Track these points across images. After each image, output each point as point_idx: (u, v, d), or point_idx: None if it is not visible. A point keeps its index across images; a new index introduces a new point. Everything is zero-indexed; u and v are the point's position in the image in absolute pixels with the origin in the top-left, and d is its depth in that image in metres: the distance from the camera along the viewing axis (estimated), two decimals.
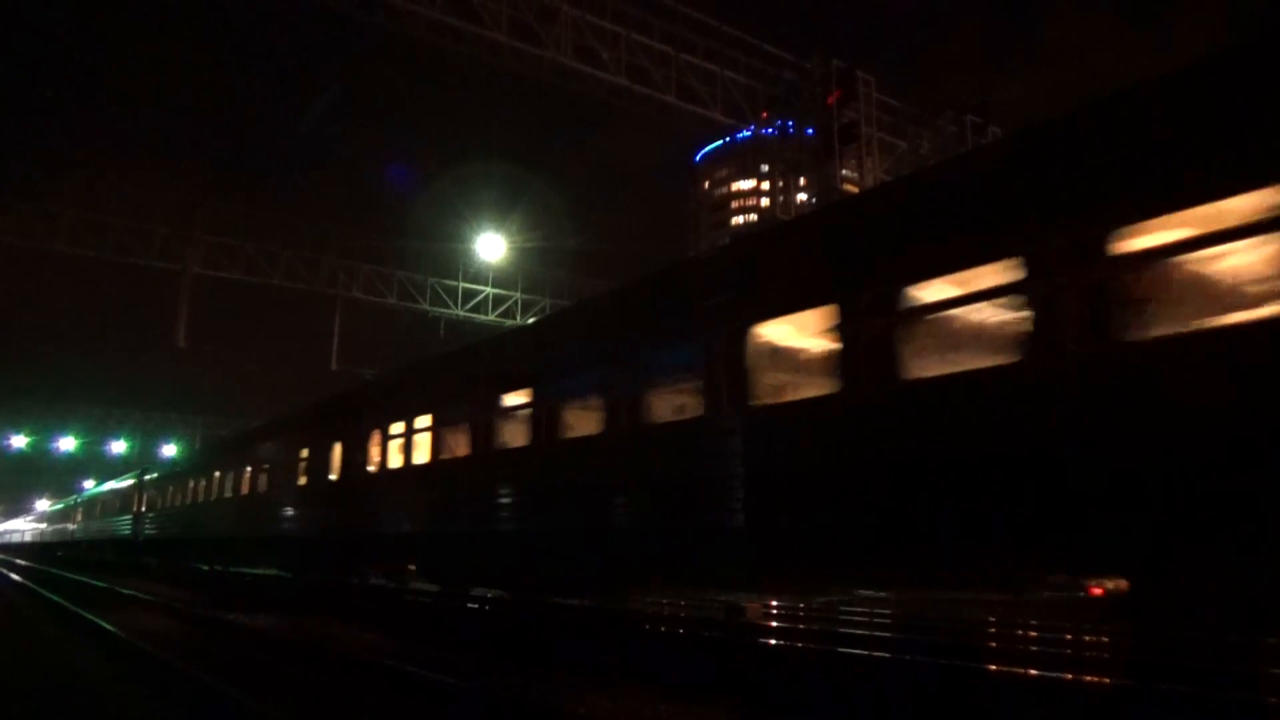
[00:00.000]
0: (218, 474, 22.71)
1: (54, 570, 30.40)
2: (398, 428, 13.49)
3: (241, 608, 14.88)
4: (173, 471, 29.23)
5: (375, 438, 14.24)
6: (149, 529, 30.32)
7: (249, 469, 20.44)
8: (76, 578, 23.95)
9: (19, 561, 45.18)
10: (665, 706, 6.48)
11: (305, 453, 17.09)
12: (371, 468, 14.35)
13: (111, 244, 26.44)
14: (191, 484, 25.27)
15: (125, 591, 18.54)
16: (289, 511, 17.78)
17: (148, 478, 31.82)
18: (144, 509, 31.04)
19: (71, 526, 49.58)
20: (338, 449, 15.62)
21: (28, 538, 77.63)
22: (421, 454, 12.85)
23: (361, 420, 14.82)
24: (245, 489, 20.48)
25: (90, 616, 11.84)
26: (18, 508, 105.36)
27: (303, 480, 17.14)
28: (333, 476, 15.70)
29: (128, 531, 33.01)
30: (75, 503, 51.05)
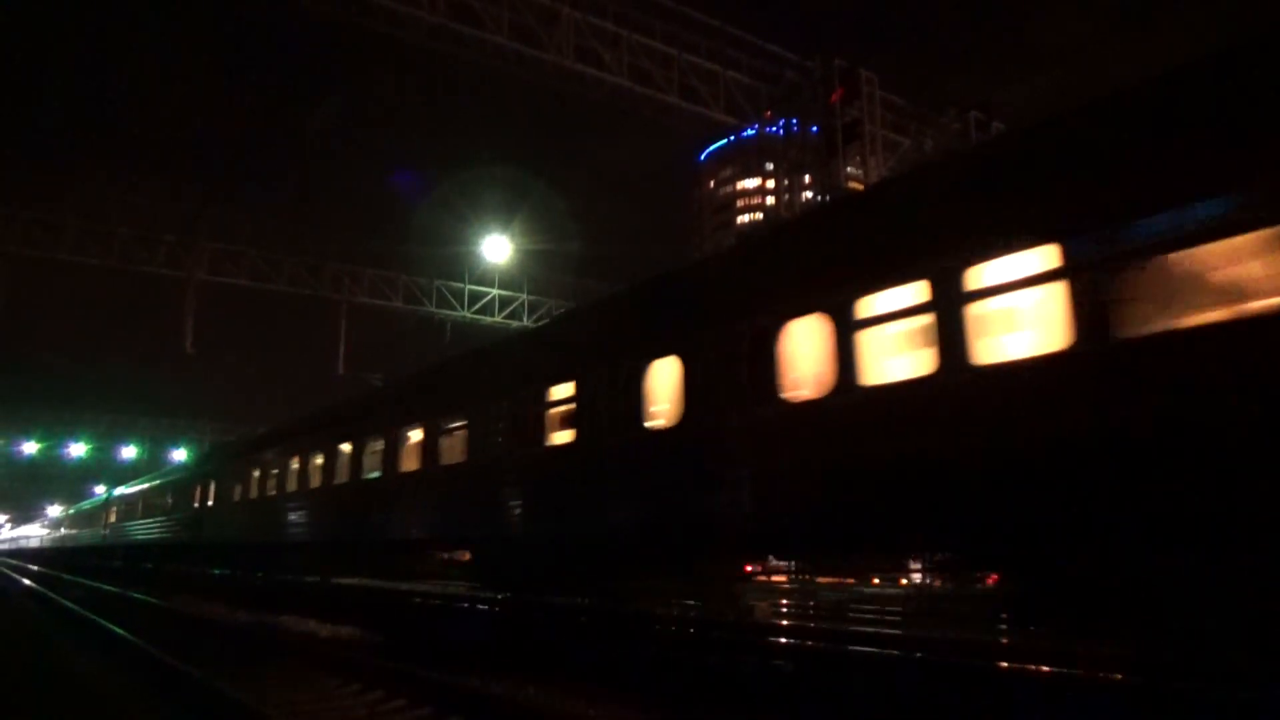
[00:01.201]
0: (346, 447, 15.78)
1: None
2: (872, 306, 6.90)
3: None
4: (260, 453, 21.07)
5: (780, 339, 7.58)
6: (219, 530, 23.01)
7: (417, 434, 13.61)
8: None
9: (36, 568, 44.38)
10: None
11: (566, 391, 10.31)
12: (799, 391, 7.44)
13: (117, 252, 26.57)
14: (294, 466, 18.12)
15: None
16: (528, 491, 10.92)
17: (216, 465, 24.63)
18: (211, 504, 23.89)
19: (103, 530, 41.94)
20: (671, 372, 8.73)
21: (47, 543, 71.97)
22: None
23: (740, 311, 8.10)
24: (410, 464, 13.67)
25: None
26: (29, 515, 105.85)
27: (561, 437, 10.42)
28: (656, 422, 8.91)
29: (185, 534, 25.97)
30: (107, 501, 42.74)
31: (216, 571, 25.30)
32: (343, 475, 15.79)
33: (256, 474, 20.50)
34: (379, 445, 14.63)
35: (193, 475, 26.34)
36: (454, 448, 12.57)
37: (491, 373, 12.62)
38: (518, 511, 11.11)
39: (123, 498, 38.66)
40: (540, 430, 10.69)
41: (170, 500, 28.57)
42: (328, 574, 19.88)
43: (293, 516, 18.16)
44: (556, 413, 10.60)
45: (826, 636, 10.02)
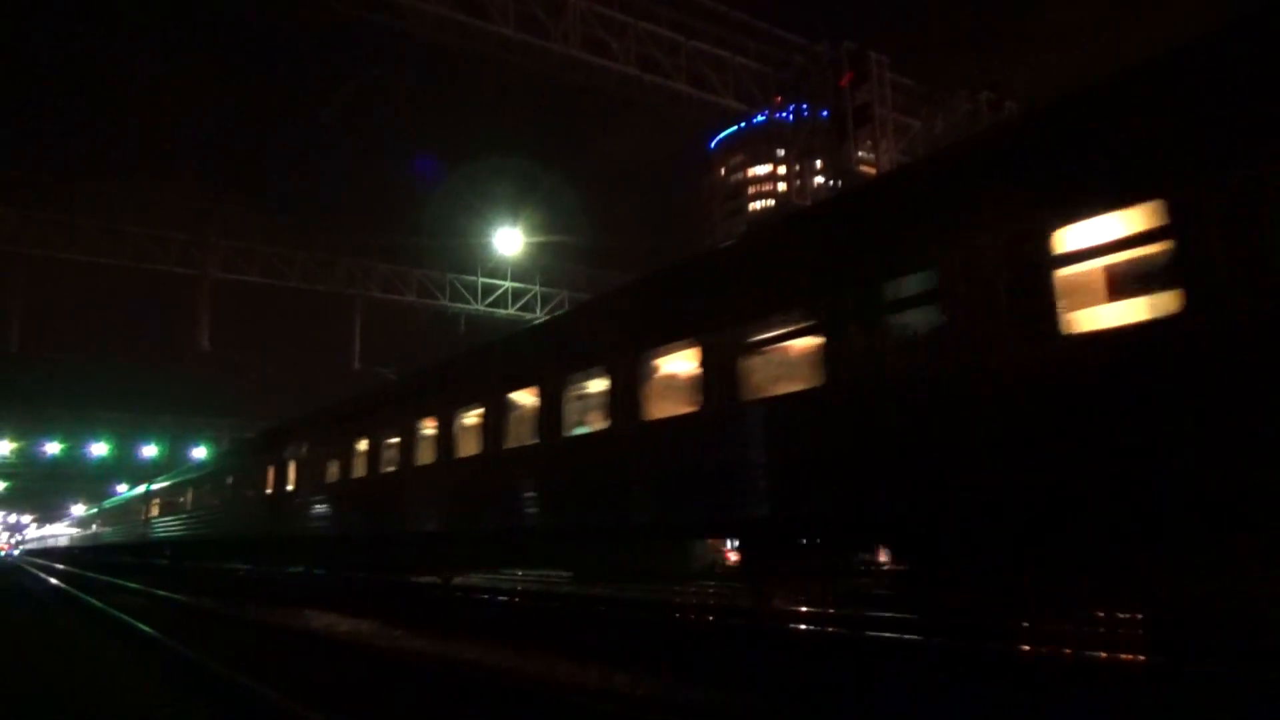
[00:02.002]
0: (524, 398, 11.27)
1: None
2: None
3: None
4: (371, 419, 15.84)
5: None
6: (305, 520, 18.12)
7: (669, 363, 9.14)
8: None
9: (63, 567, 43.88)
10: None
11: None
12: None
13: (130, 252, 26.80)
14: (429, 432, 13.47)
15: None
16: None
17: (298, 440, 19.26)
18: (291, 488, 19.24)
19: (141, 526, 36.82)
20: None
21: (77, 542, 68.11)
22: None
23: None
24: (656, 408, 9.06)
25: None
26: (52, 514, 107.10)
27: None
28: None
29: (252, 527, 21.31)
30: (147, 493, 37.04)
31: (302, 571, 20.60)
32: (523, 435, 11.14)
33: (364, 446, 15.57)
34: (587, 388, 10.15)
35: (262, 456, 21.40)
36: (748, 378, 7.95)
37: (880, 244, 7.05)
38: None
39: (167, 489, 33.49)
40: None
41: (230, 487, 23.94)
42: (479, 571, 15.99)
43: (429, 497, 13.46)
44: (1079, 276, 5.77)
45: None
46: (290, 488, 19.21)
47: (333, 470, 16.95)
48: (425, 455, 13.58)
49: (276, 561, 21.42)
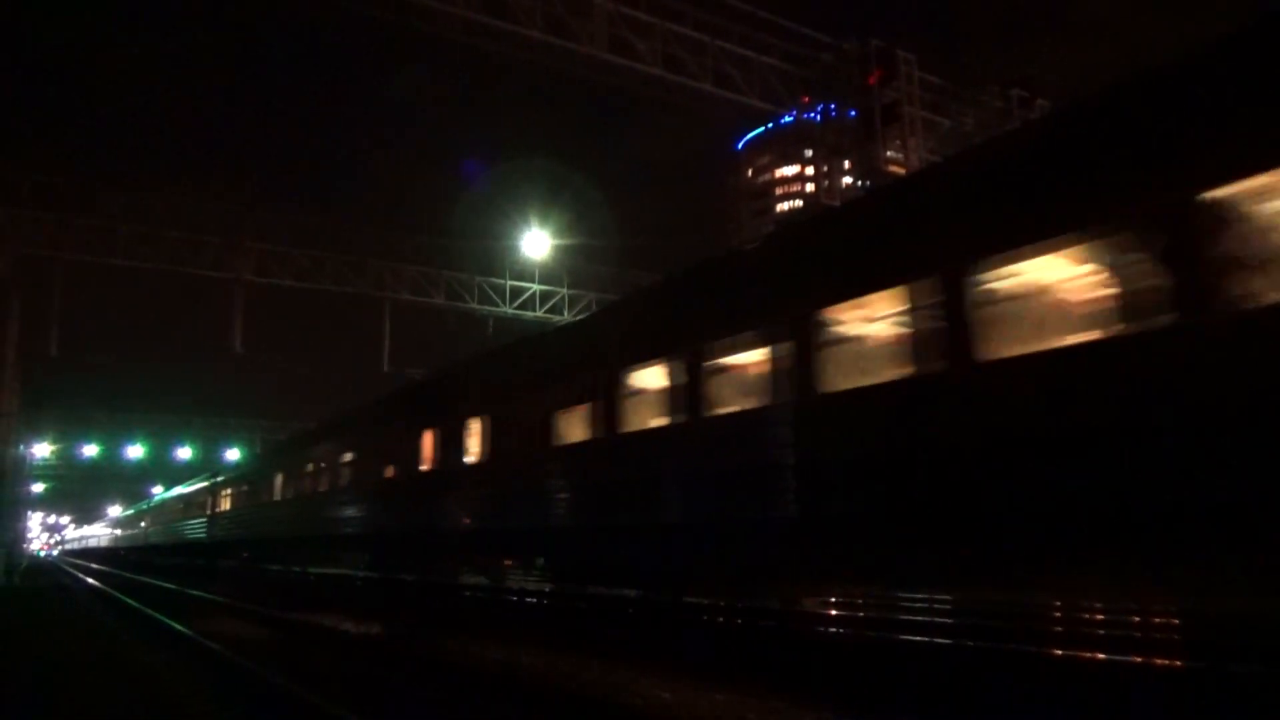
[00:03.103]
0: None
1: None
2: None
3: None
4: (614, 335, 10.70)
5: None
6: (493, 508, 12.41)
7: None
8: None
9: (105, 568, 42.91)
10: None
11: None
12: None
13: (166, 256, 27.24)
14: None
15: None
16: None
17: (478, 394, 13.14)
18: (468, 459, 13.00)
19: (203, 523, 30.62)
20: None
21: (122, 543, 63.34)
22: None
23: None
24: None
25: None
26: (90, 515, 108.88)
27: None
28: None
29: (394, 520, 15.52)
30: (212, 485, 30.46)
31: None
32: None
33: (634, 381, 9.67)
34: None
35: (416, 418, 15.10)
36: None
37: None
38: None
39: (245, 475, 27.62)
40: None
41: (351, 466, 18.10)
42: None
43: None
44: None
45: None
46: (470, 460, 12.95)
47: (563, 427, 10.93)
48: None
49: (436, 565, 16.18)
